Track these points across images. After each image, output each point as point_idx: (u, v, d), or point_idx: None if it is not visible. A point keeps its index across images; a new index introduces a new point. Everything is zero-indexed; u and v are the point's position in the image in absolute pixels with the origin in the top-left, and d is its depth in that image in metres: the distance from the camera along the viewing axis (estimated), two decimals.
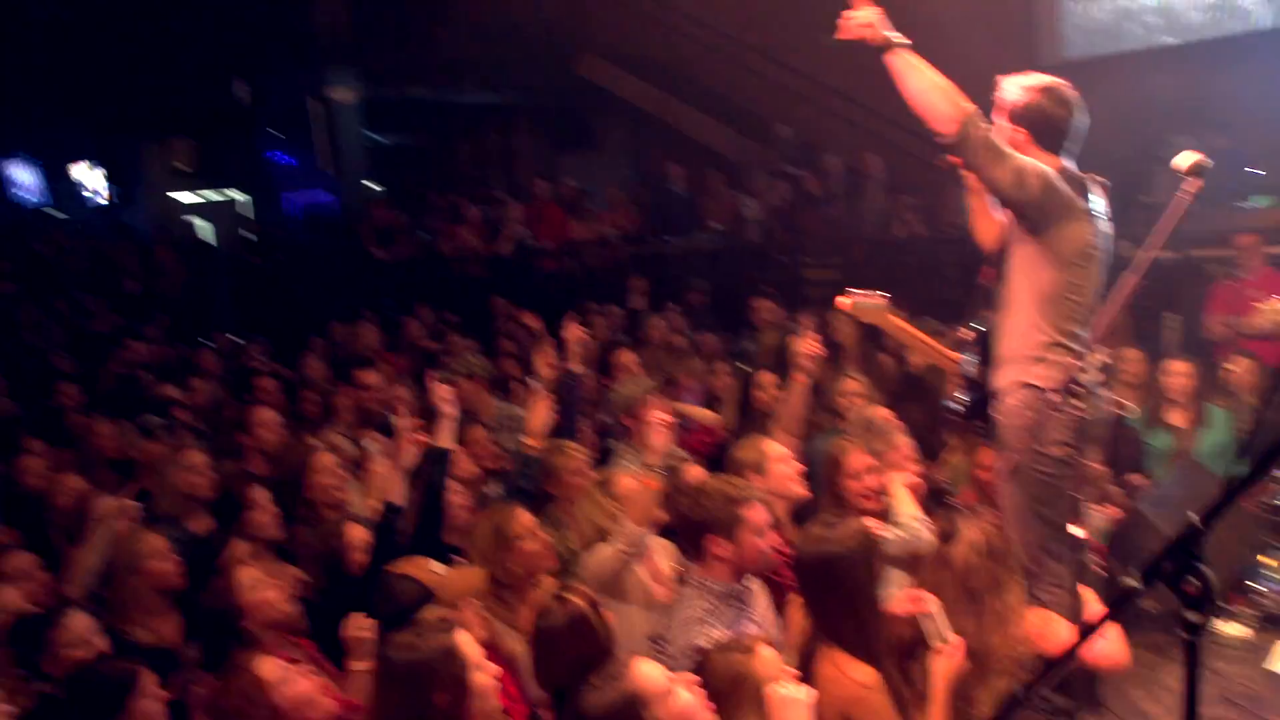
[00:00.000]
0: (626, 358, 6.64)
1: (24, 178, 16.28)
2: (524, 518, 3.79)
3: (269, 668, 2.83)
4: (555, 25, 15.05)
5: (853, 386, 5.78)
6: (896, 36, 3.53)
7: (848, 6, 3.54)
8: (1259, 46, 10.00)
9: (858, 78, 8.16)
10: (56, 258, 12.41)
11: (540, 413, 5.12)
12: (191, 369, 8.08)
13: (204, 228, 14.61)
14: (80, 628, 3.40)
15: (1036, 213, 3.58)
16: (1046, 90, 3.71)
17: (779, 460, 4.35)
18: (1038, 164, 3.56)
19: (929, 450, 5.12)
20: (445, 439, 4.29)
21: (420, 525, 4.11)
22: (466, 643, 2.67)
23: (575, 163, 15.65)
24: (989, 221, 4.01)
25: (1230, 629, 4.44)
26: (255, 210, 15.03)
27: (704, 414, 6.22)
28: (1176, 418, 6.06)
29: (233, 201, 15.47)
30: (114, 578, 3.71)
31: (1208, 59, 10.33)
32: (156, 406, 6.44)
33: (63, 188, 15.73)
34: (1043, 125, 3.69)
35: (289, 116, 13.67)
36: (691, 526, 3.47)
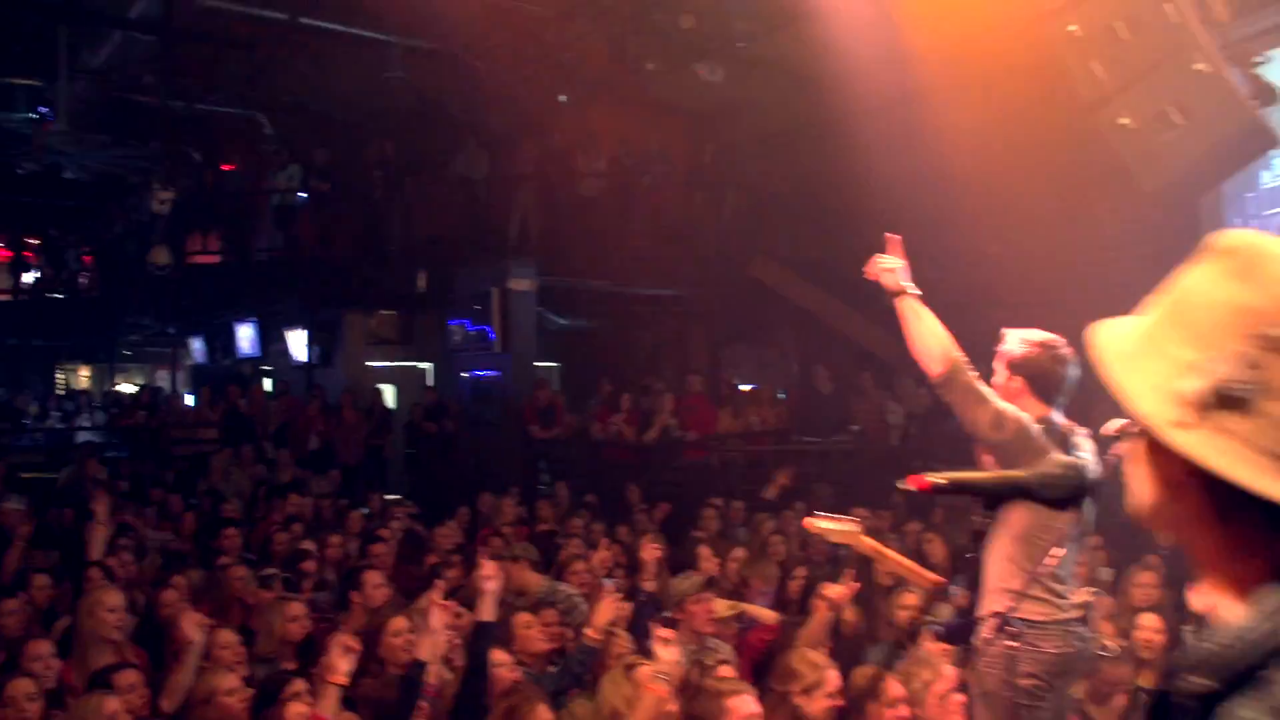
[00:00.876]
0: (703, 551, 7.17)
1: (246, 336, 18.23)
2: (543, 712, 4.17)
3: None
4: (732, 228, 16.12)
5: (909, 601, 6.06)
6: (910, 287, 4.09)
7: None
8: None
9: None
10: (252, 412, 13.87)
11: (606, 610, 5.38)
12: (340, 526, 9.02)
13: (388, 392, 15.99)
14: None
15: (1010, 454, 3.96)
16: (1044, 346, 4.13)
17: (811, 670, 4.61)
18: (1017, 411, 4.00)
19: None
20: (486, 612, 4.90)
21: (463, 690, 4.71)
22: None
23: (742, 355, 16.48)
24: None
25: None
26: (436, 380, 16.36)
27: (765, 614, 6.60)
28: None
29: (418, 370, 16.88)
30: (190, 705, 4.46)
31: None
32: (297, 555, 7.30)
33: (274, 347, 17.52)
34: (1038, 377, 4.11)
35: (475, 300, 15.01)
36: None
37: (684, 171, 16.04)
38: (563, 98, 14.59)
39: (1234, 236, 1.22)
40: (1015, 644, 3.84)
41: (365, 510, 9.97)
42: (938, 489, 1.99)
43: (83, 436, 16.82)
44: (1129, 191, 6.61)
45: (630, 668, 4.68)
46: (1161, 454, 1.22)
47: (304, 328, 16.76)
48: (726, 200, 16.35)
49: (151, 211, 16.41)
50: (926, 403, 12.37)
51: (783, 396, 15.14)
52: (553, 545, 8.12)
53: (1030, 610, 3.90)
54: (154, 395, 16.51)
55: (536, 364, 15.49)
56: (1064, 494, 3.85)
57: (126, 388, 21.80)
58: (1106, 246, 10.39)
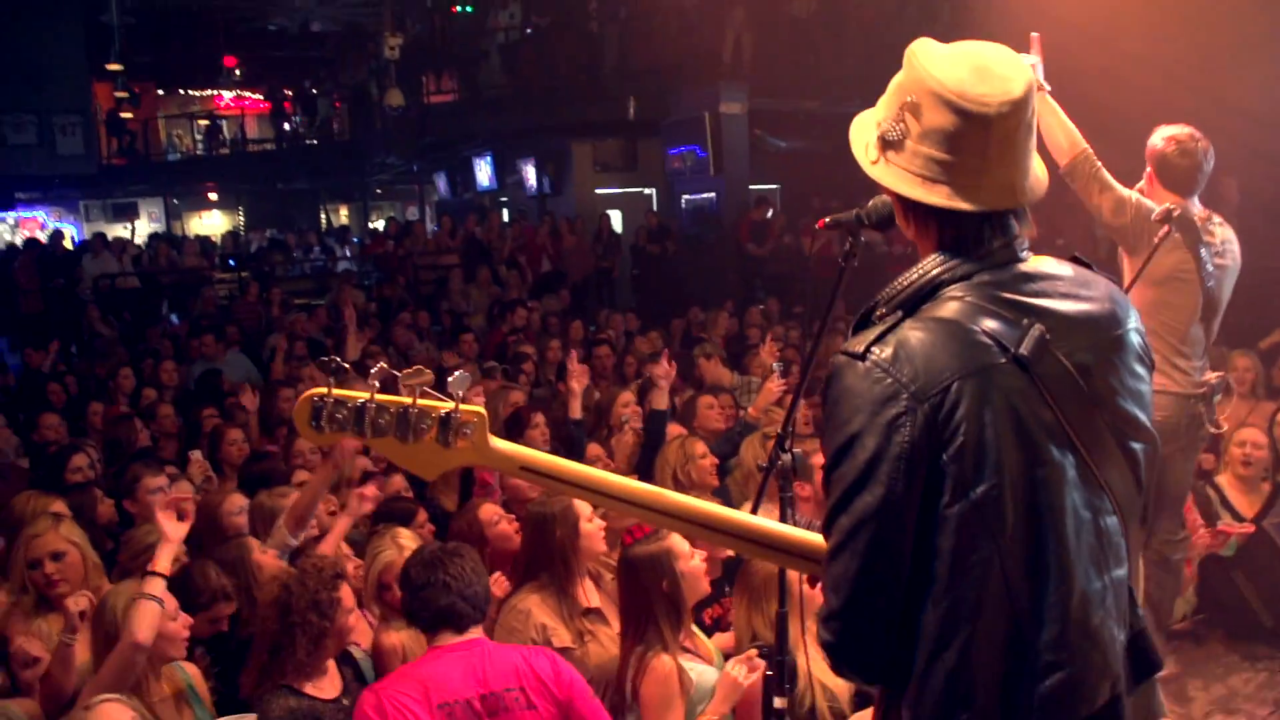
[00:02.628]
0: None
1: (483, 170, 19.44)
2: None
3: None
4: (940, 39, 15.88)
5: None
6: (1045, 85, 4.27)
7: None
8: None
9: None
10: (489, 238, 15.02)
11: (766, 394, 6.21)
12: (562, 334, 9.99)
13: (615, 217, 16.90)
14: None
15: (1129, 236, 4.39)
16: (1173, 140, 4.42)
17: None
18: (1140, 198, 4.37)
19: None
20: (659, 401, 5.77)
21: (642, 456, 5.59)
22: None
23: None
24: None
25: None
26: (658, 204, 17.13)
27: None
28: None
29: (643, 195, 17.68)
30: None
31: None
32: (519, 357, 8.31)
33: (511, 179, 18.65)
34: (1165, 169, 4.43)
35: (689, 125, 15.56)
36: None
37: None
38: None
39: (914, 44, 1.86)
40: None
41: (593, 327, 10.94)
42: (828, 226, 2.49)
43: (342, 266, 18.54)
44: None
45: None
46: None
47: (534, 159, 17.78)
48: (940, 12, 16.06)
49: (385, 57, 17.55)
50: None
51: None
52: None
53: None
54: (401, 227, 17.96)
55: (752, 186, 15.98)
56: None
57: (379, 223, 23.64)
58: None
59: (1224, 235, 4.45)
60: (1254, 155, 9.37)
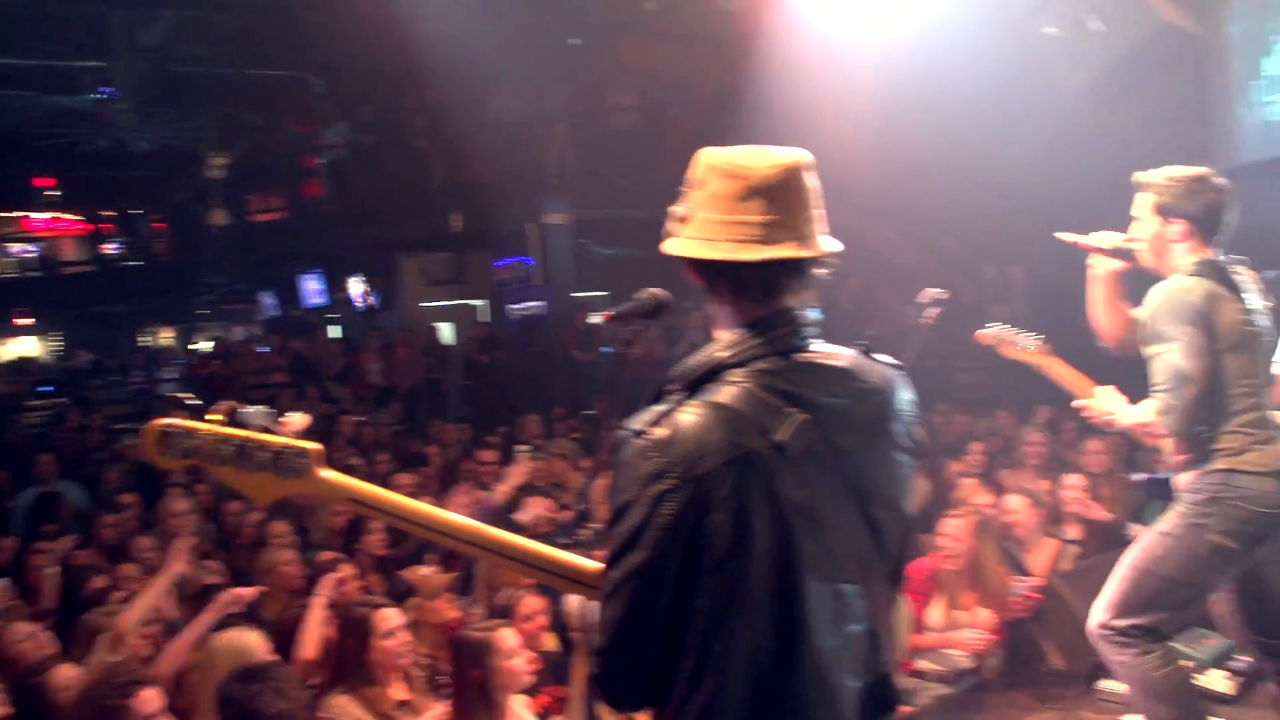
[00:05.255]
0: None
1: (312, 287, 19.31)
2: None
3: None
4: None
5: None
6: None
7: None
8: None
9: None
10: (317, 355, 14.89)
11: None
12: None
13: (445, 329, 16.96)
14: None
15: None
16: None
17: None
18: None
19: None
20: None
21: None
22: None
23: None
24: (1113, 313, 4.11)
25: (1113, 685, 4.88)
26: (487, 316, 17.29)
27: None
28: None
29: (472, 307, 17.82)
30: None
31: None
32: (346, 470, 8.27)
33: (340, 296, 18.57)
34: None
35: (519, 237, 15.86)
36: None
37: (711, 98, 16.55)
38: (575, 40, 15.20)
39: (699, 151, 2.10)
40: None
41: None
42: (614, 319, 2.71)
43: (166, 389, 18.01)
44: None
45: None
46: (685, 267, 2.13)
47: (363, 275, 17.77)
48: (755, 123, 16.87)
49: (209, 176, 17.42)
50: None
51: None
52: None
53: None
54: (226, 347, 17.62)
55: (579, 294, 16.31)
56: None
57: (205, 345, 23.10)
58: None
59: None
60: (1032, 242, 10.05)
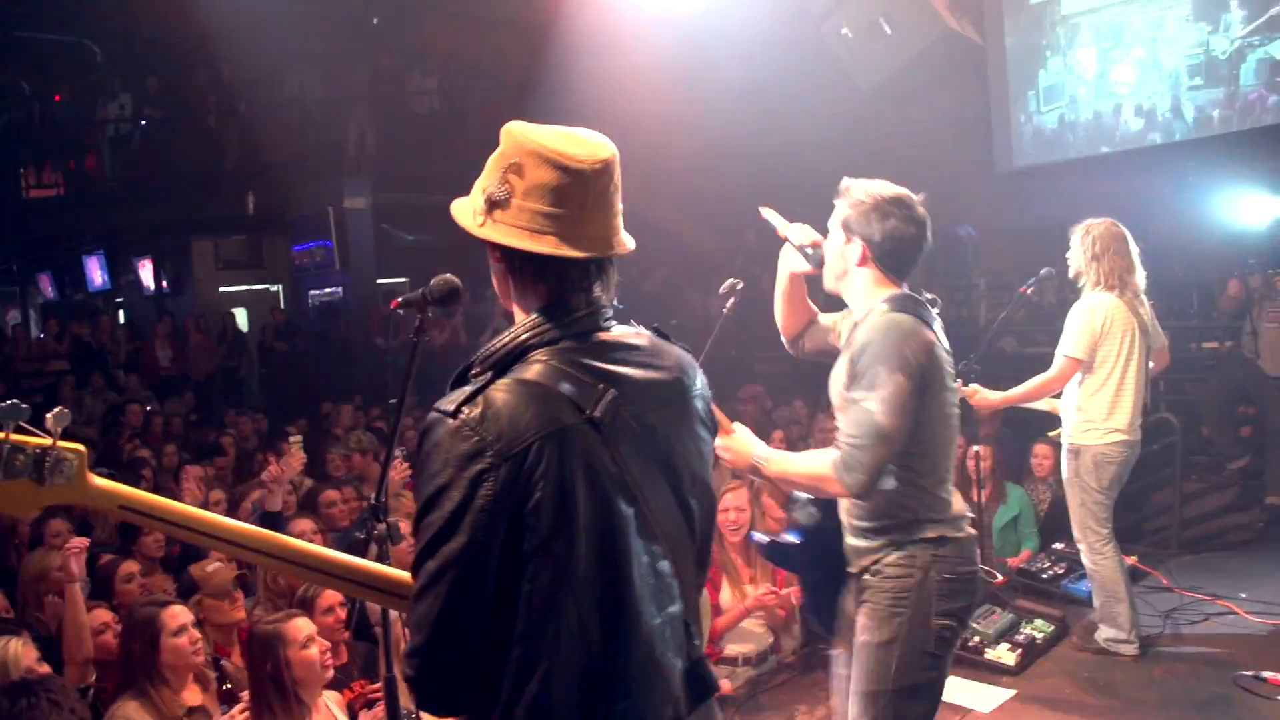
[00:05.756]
0: None
1: (95, 270, 18.35)
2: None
3: None
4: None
5: None
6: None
7: None
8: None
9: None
10: (101, 341, 14.20)
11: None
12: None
13: (241, 315, 16.41)
14: None
15: None
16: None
17: None
18: None
19: None
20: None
21: None
22: None
23: None
24: (790, 311, 3.77)
25: None
26: (285, 301, 16.83)
27: None
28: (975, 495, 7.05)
29: (270, 292, 17.30)
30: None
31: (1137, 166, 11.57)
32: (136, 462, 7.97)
33: (126, 279, 17.71)
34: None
35: (318, 221, 15.47)
36: None
37: (512, 84, 16.51)
38: (376, 19, 14.93)
39: (510, 123, 2.08)
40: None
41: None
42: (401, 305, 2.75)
43: None
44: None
45: None
46: (486, 247, 2.10)
47: (151, 257, 17.01)
48: (556, 111, 16.88)
49: None
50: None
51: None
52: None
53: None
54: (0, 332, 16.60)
55: (380, 280, 16.04)
56: None
57: None
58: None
59: None
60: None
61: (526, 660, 1.92)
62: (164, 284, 16.87)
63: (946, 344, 3.31)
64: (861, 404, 3.10)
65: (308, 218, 15.71)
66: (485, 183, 2.05)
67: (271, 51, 15.82)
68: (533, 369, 1.98)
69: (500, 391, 1.93)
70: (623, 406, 2.01)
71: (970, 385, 5.51)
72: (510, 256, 2.05)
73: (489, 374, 1.98)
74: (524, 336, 2.01)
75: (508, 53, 16.76)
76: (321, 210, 15.29)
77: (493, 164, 2.06)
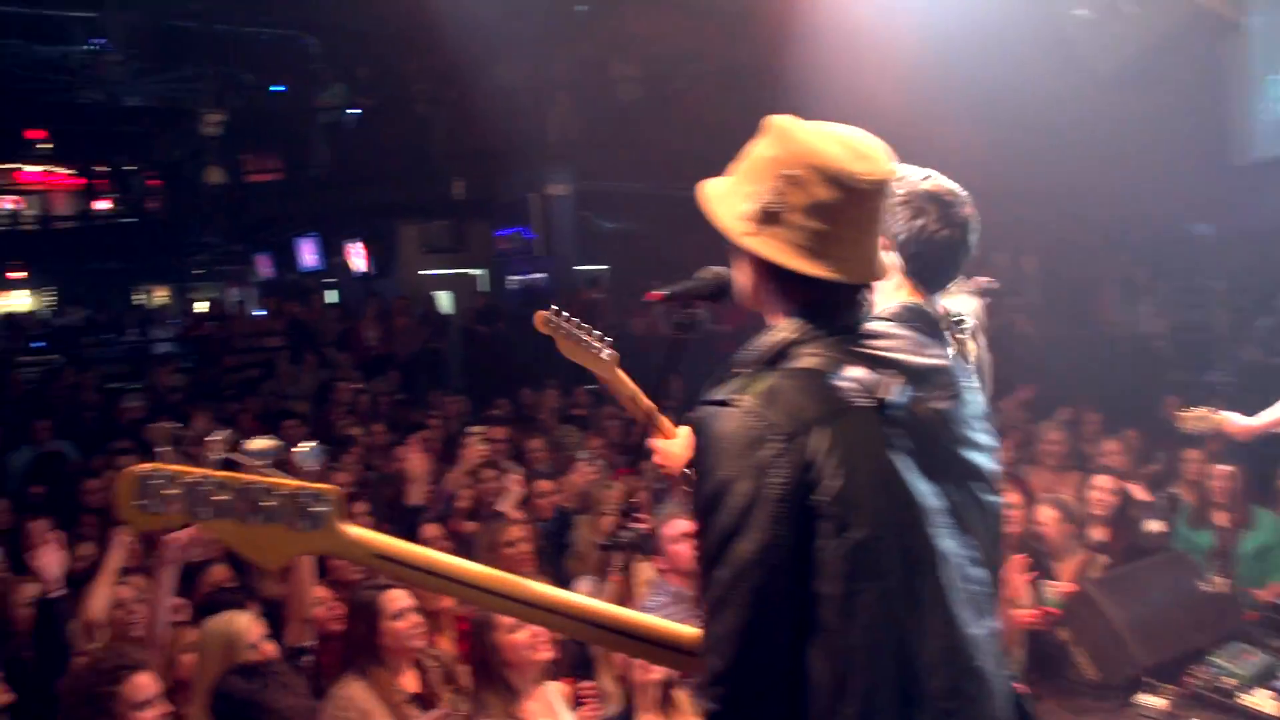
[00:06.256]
0: None
1: (308, 251, 19.09)
2: None
3: None
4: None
5: None
6: None
7: None
8: None
9: None
10: (312, 320, 14.72)
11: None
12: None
13: (443, 298, 16.78)
14: None
15: None
16: None
17: None
18: None
19: None
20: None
21: None
22: None
23: None
24: None
25: (1151, 700, 4.76)
26: (487, 286, 17.13)
27: None
28: (1220, 518, 6.46)
29: (471, 277, 17.65)
30: None
31: None
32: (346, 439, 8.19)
33: (336, 260, 18.37)
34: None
35: (520, 207, 15.68)
36: None
37: (717, 72, 16.33)
38: (582, 7, 14.96)
39: (776, 119, 1.93)
40: None
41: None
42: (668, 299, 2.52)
43: (160, 349, 17.83)
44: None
45: None
46: (741, 255, 1.97)
47: (361, 240, 17.57)
48: (763, 96, 16.63)
49: (203, 134, 17.16)
50: None
51: None
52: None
53: None
54: (221, 309, 17.44)
55: (581, 267, 16.13)
56: None
57: (199, 305, 22.86)
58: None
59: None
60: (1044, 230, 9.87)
61: (840, 677, 1.68)
62: (372, 266, 17.38)
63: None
64: None
65: (510, 204, 15.92)
66: (754, 187, 1.90)
67: (478, 40, 16.11)
68: (804, 360, 1.83)
69: (776, 379, 1.79)
70: (908, 391, 1.84)
71: (1220, 413, 5.03)
72: (773, 268, 1.90)
73: (756, 369, 1.84)
74: (789, 335, 1.87)
75: (712, 40, 16.56)
76: (524, 197, 15.46)
77: (763, 166, 1.90)
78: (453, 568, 1.97)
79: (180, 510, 1.75)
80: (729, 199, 1.94)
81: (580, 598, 2.09)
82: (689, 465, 1.85)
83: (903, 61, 10.42)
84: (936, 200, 2.65)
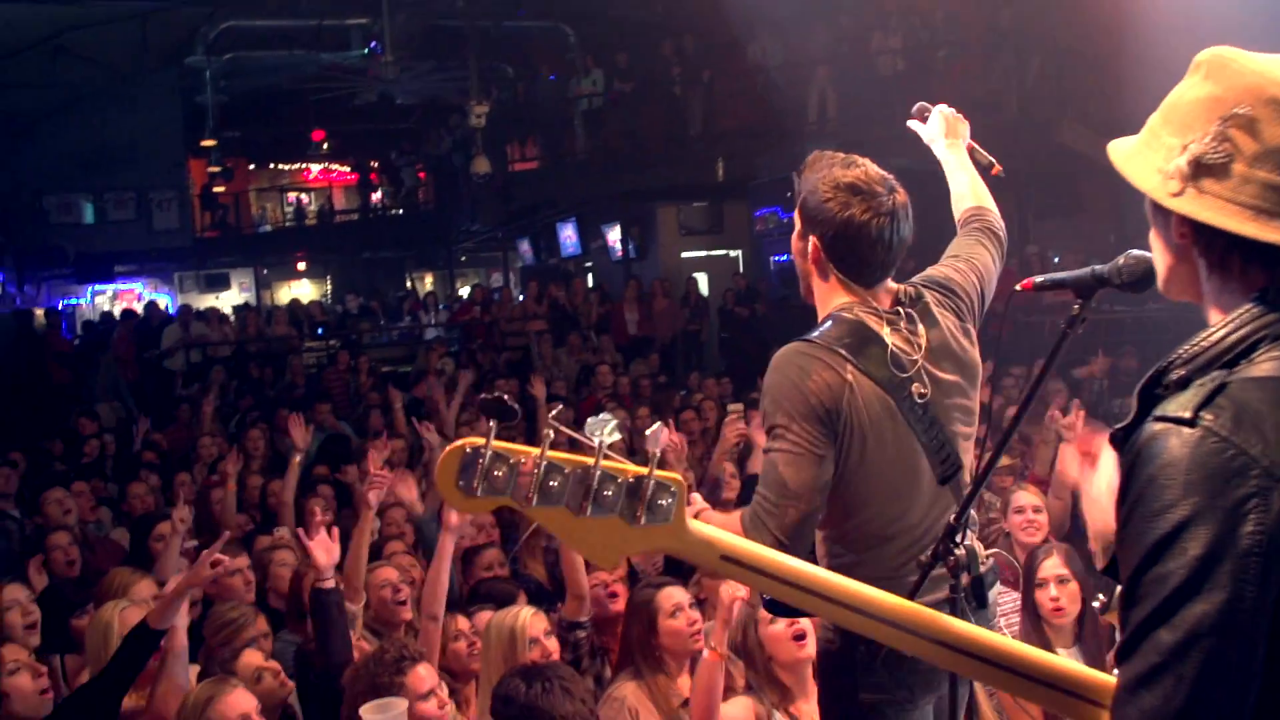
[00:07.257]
0: None
1: (568, 235, 19.47)
2: None
3: None
4: (1036, 94, 15.60)
5: None
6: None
7: None
8: None
9: None
10: (574, 303, 14.95)
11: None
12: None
13: (702, 279, 16.73)
14: None
15: None
16: None
17: None
18: None
19: None
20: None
21: None
22: None
23: (1059, 227, 16.06)
24: None
25: None
26: (745, 267, 16.96)
27: None
28: None
29: (729, 258, 17.54)
30: None
31: None
32: None
33: (595, 244, 18.65)
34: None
35: (777, 186, 15.42)
36: None
37: (980, 39, 15.59)
38: None
39: (1205, 52, 1.53)
40: None
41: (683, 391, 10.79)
42: (1039, 287, 2.10)
43: (430, 334, 18.60)
44: None
45: None
46: (1164, 223, 1.57)
47: (619, 223, 17.76)
48: (1029, 64, 15.76)
49: (470, 126, 17.75)
50: None
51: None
52: None
53: None
54: (486, 294, 18.03)
55: None
56: None
57: (464, 290, 23.82)
58: None
59: None
60: None
61: None
62: (630, 249, 17.53)
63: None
64: (768, 455, 2.59)
65: (769, 183, 15.68)
66: (1187, 135, 1.51)
67: (733, 19, 15.96)
68: (1263, 366, 1.42)
69: (1248, 392, 1.39)
70: None
71: None
72: (1210, 236, 1.50)
73: (1214, 375, 1.44)
74: (1247, 329, 1.45)
75: (974, 7, 15.86)
76: (784, 176, 15.18)
77: (1197, 109, 1.52)
78: (807, 576, 1.71)
79: (508, 494, 1.58)
80: (1146, 154, 1.58)
81: (985, 633, 1.75)
82: (1119, 498, 1.47)
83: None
84: (856, 190, 2.73)
